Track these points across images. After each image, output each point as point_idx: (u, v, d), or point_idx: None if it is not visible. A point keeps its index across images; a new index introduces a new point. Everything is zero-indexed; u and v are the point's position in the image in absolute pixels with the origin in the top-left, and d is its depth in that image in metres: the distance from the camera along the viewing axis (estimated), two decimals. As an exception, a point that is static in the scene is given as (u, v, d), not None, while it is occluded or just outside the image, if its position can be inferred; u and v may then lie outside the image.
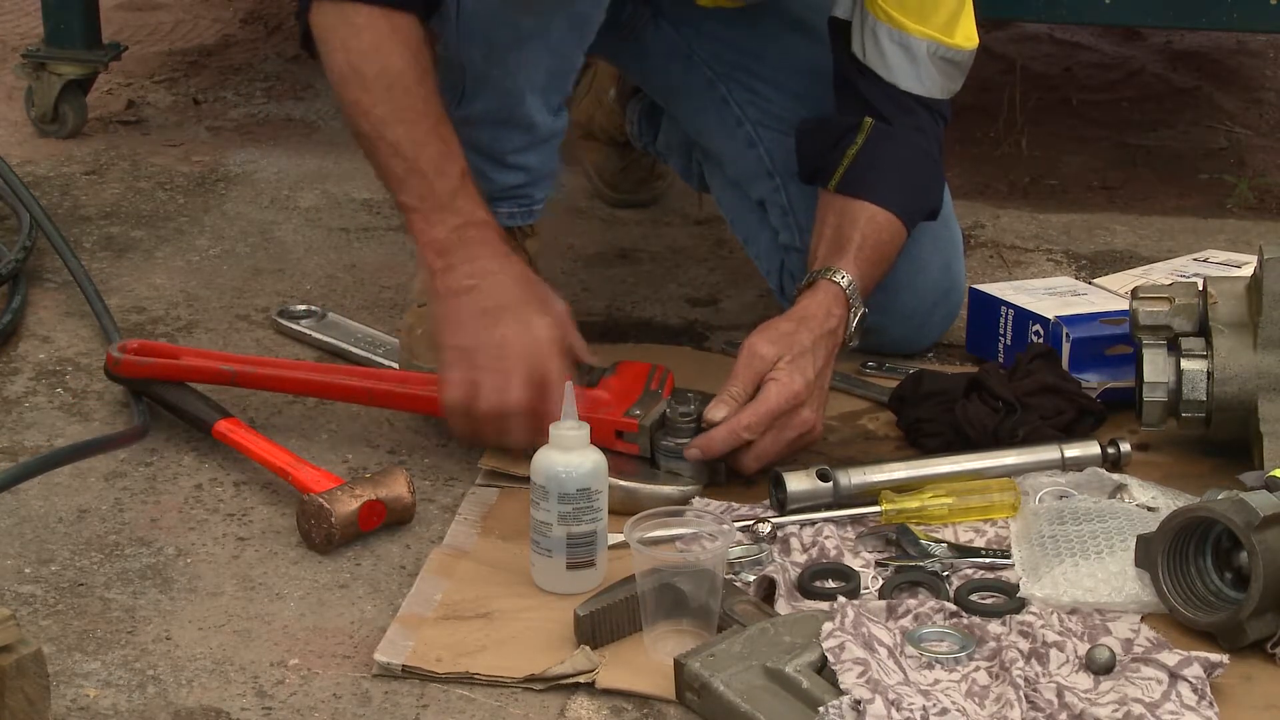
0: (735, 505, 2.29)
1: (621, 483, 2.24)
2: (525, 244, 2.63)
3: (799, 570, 2.14)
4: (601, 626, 2.03)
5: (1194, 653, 1.96)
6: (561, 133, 2.58)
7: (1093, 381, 2.54)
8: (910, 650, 1.98)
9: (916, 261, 2.62)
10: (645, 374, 2.40)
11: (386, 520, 2.25)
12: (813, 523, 2.23)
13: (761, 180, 2.72)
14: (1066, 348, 2.57)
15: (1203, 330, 2.39)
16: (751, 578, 2.12)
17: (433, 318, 2.33)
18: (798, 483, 2.26)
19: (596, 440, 2.14)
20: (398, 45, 2.30)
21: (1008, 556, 2.18)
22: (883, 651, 1.94)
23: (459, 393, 2.27)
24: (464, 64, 2.43)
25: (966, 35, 2.52)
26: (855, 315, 2.44)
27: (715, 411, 2.30)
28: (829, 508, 2.25)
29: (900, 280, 2.60)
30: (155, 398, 2.50)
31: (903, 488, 2.28)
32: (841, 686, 1.88)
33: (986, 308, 2.71)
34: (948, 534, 2.24)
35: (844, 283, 2.43)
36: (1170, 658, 1.95)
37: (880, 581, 2.13)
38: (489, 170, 2.52)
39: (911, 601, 2.05)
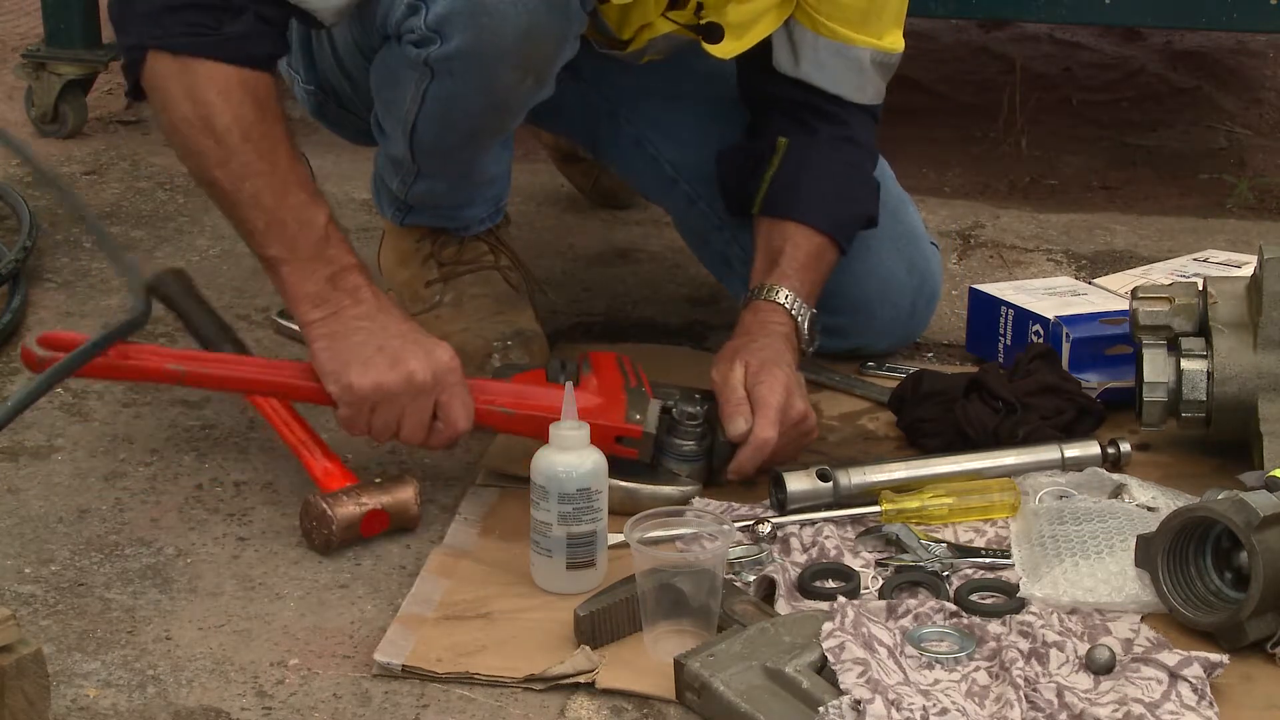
0: (735, 505, 2.29)
1: (621, 483, 2.24)
2: (501, 234, 2.64)
3: (799, 570, 2.14)
4: (601, 626, 2.03)
5: (1194, 653, 1.96)
6: (511, 149, 2.60)
7: (1093, 381, 2.54)
8: (910, 650, 1.98)
9: (880, 274, 2.63)
10: (616, 365, 2.35)
11: (390, 528, 2.25)
12: (813, 523, 2.23)
13: (713, 234, 2.71)
14: (1066, 348, 2.57)
15: (1203, 330, 2.39)
16: (751, 578, 2.12)
17: (326, 359, 2.21)
18: (798, 483, 2.26)
19: (594, 445, 2.14)
20: (248, 97, 2.19)
21: (1008, 556, 2.18)
22: (883, 651, 1.94)
23: (382, 430, 2.22)
24: (417, 164, 2.46)
25: (894, 40, 2.52)
26: (804, 321, 2.44)
27: (736, 425, 2.29)
28: (829, 508, 2.25)
29: (872, 298, 2.61)
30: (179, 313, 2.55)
31: (903, 488, 2.28)
32: (841, 686, 1.88)
33: (986, 308, 2.71)
34: (948, 534, 2.24)
35: (782, 298, 2.43)
36: (1170, 658, 1.95)
37: (880, 581, 2.13)
38: (453, 214, 2.56)
39: (911, 601, 2.05)
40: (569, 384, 2.16)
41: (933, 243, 2.72)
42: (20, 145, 3.04)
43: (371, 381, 2.18)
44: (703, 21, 2.38)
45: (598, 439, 2.16)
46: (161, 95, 2.22)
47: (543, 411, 2.22)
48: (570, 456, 2.10)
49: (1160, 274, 2.81)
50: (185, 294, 2.58)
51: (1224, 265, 2.86)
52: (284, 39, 2.27)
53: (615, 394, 2.30)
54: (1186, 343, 2.39)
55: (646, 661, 2.00)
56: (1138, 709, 1.88)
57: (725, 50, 2.39)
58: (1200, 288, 2.42)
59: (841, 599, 2.03)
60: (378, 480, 2.30)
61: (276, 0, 2.22)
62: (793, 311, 2.43)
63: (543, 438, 2.14)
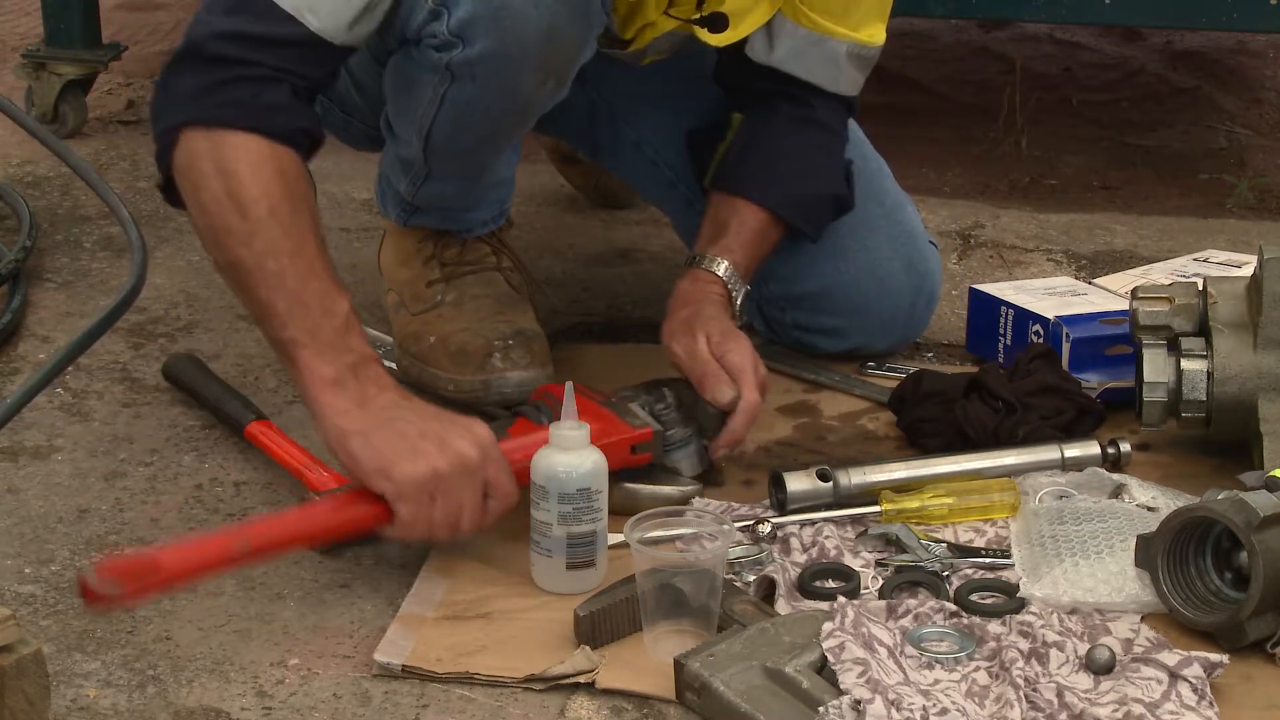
0: (735, 505, 2.29)
1: (621, 483, 2.24)
2: (503, 236, 2.65)
3: (799, 570, 2.14)
4: (601, 626, 2.03)
5: (1194, 653, 1.96)
6: (519, 152, 2.62)
7: (1093, 381, 2.54)
8: (910, 650, 1.98)
9: (878, 274, 2.63)
10: (578, 391, 2.22)
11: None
12: (813, 523, 2.23)
13: None
14: (1066, 348, 2.57)
15: (1203, 330, 2.39)
16: (751, 578, 2.12)
17: (368, 456, 2.06)
18: (798, 483, 2.26)
19: (612, 465, 2.14)
20: (276, 174, 2.13)
21: (1008, 556, 2.18)
22: (883, 651, 1.94)
23: (445, 521, 2.07)
24: (429, 166, 2.46)
25: (873, 33, 2.53)
26: (738, 297, 2.47)
27: (723, 393, 2.30)
28: (829, 508, 2.25)
29: (870, 298, 2.62)
30: (191, 392, 2.53)
31: (903, 488, 2.28)
32: (841, 686, 1.88)
33: (986, 308, 2.71)
34: (948, 534, 2.24)
35: (721, 270, 2.47)
36: (1170, 658, 1.95)
37: (880, 581, 2.13)
38: (459, 216, 2.56)
39: (911, 601, 2.05)
40: (569, 384, 2.15)
41: (932, 241, 2.73)
42: (14, 109, 3.06)
43: (427, 468, 2.04)
44: (705, 13, 2.39)
45: (613, 458, 2.16)
46: (193, 177, 2.15)
47: None
48: (570, 456, 2.10)
49: (1160, 274, 2.81)
50: (199, 375, 2.57)
51: (1224, 265, 2.86)
52: (313, 103, 2.24)
53: (599, 412, 2.27)
54: (1186, 343, 2.39)
55: (646, 661, 2.00)
56: (1138, 709, 1.88)
57: (723, 38, 2.40)
58: (1200, 288, 2.42)
59: (841, 599, 2.03)
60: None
61: (307, 59, 2.18)
62: (729, 285, 2.46)
63: None
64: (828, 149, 2.58)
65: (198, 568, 2.00)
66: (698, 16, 2.39)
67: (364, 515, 2.07)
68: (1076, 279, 2.91)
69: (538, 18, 2.22)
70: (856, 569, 2.14)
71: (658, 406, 2.32)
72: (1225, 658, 1.96)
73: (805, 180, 2.56)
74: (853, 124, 2.65)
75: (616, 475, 2.19)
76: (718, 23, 2.39)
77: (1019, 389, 2.43)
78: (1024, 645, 1.97)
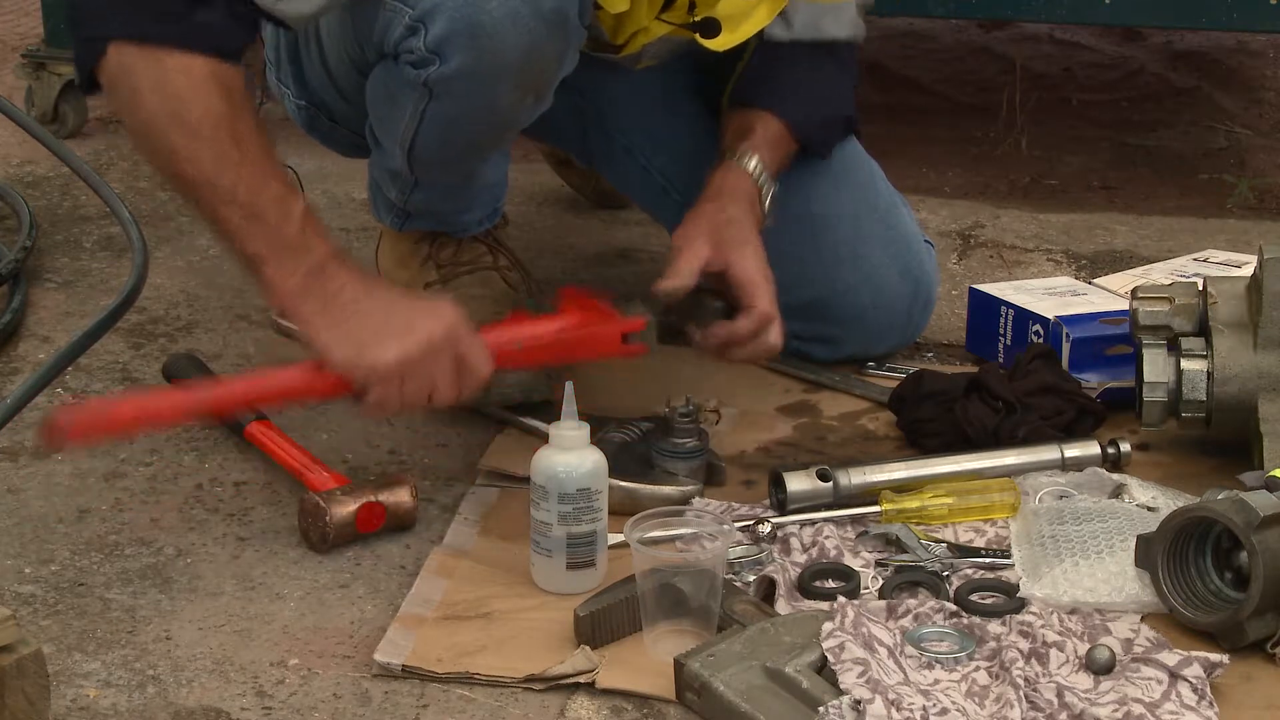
0: (735, 505, 2.29)
1: (621, 483, 2.24)
2: (499, 235, 2.64)
3: (799, 570, 2.14)
4: (601, 626, 2.03)
5: (1194, 653, 1.96)
6: (509, 155, 2.61)
7: (1093, 381, 2.54)
8: (910, 650, 1.98)
9: (874, 282, 2.62)
10: (586, 290, 2.33)
11: (387, 524, 2.25)
12: (813, 523, 2.23)
13: None
14: (1066, 348, 2.57)
15: (1203, 330, 2.39)
16: (751, 578, 2.12)
17: (337, 348, 2.14)
18: (798, 483, 2.26)
19: (603, 352, 2.18)
20: (218, 88, 2.11)
21: (1008, 556, 2.18)
22: (883, 651, 1.94)
23: (415, 398, 2.16)
24: (415, 176, 2.46)
25: None
26: (766, 193, 2.47)
27: (671, 282, 2.30)
28: (829, 508, 2.25)
29: (866, 307, 2.61)
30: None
31: (903, 488, 2.28)
32: (841, 686, 1.88)
33: (986, 308, 2.71)
34: (948, 534, 2.24)
35: (750, 166, 2.46)
36: (1170, 658, 1.95)
37: (880, 581, 2.13)
38: (452, 219, 2.56)
39: (911, 601, 2.05)
40: (569, 384, 2.16)
41: (927, 240, 2.72)
42: (14, 109, 3.06)
43: (394, 354, 2.12)
44: (697, 18, 2.38)
45: (604, 345, 2.19)
46: (127, 90, 2.12)
47: (553, 335, 2.26)
48: (570, 456, 2.10)
49: (1160, 274, 2.81)
50: (199, 375, 2.56)
51: (1224, 265, 2.86)
52: (254, 32, 2.21)
53: (592, 304, 2.30)
54: (1186, 343, 2.39)
55: (646, 661, 2.00)
56: (1138, 709, 1.88)
57: (721, 43, 2.39)
58: (1200, 288, 2.42)
59: (841, 599, 2.03)
60: (372, 479, 2.31)
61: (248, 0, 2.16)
62: (759, 181, 2.46)
63: (560, 358, 2.19)
64: (840, 73, 2.60)
65: (158, 412, 2.18)
66: (690, 21, 2.38)
67: (333, 384, 2.15)
68: (1076, 279, 2.91)
69: (515, 34, 2.21)
70: (856, 569, 2.14)
71: (680, 413, 2.31)
72: (1225, 658, 1.96)
73: (821, 102, 2.58)
74: None
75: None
76: (710, 28, 2.38)
77: (1019, 389, 2.43)
78: (1024, 645, 1.97)
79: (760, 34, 2.44)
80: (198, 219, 2.24)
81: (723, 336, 2.35)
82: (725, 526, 2.08)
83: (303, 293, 2.14)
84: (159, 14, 2.10)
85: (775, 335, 2.36)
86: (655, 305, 2.32)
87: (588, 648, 2.01)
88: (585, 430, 2.12)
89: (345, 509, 2.22)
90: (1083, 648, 1.98)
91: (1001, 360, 2.65)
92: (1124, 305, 2.50)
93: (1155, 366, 2.39)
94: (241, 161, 2.12)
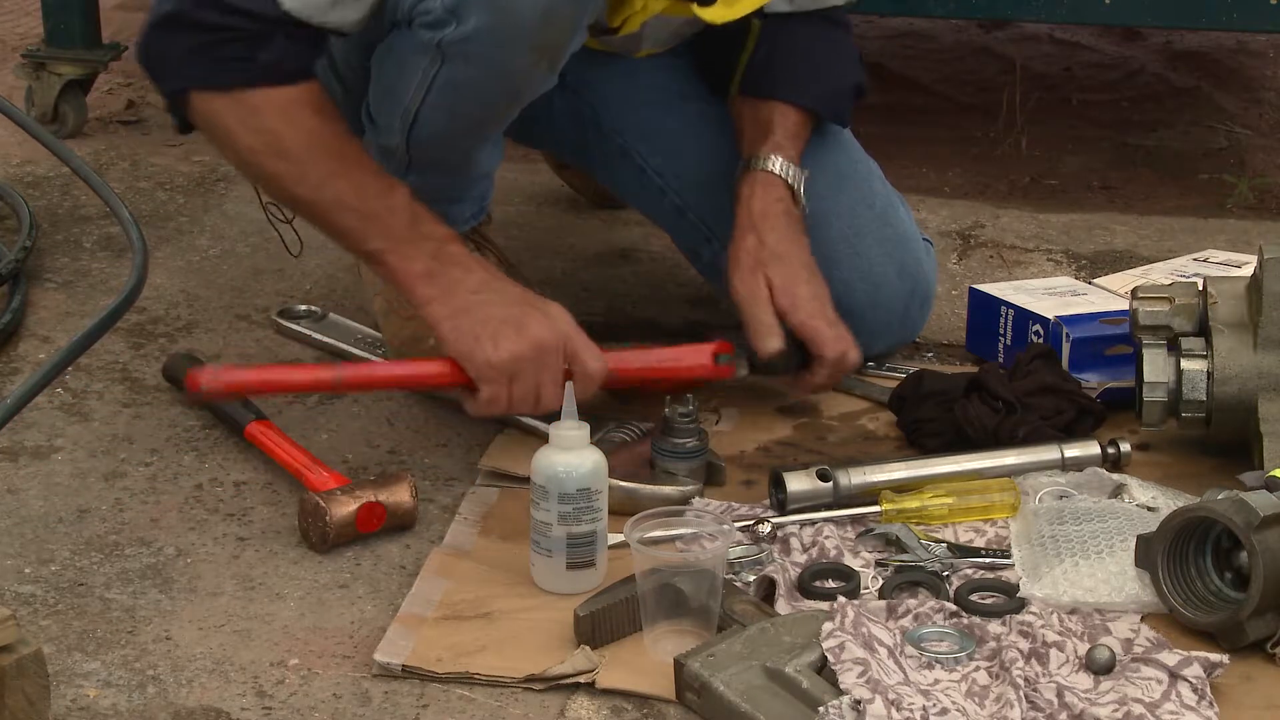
0: (735, 505, 2.29)
1: (621, 483, 2.24)
2: (485, 231, 2.64)
3: (799, 570, 2.14)
4: (601, 626, 2.03)
5: (1194, 653, 1.96)
6: (502, 150, 2.61)
7: (1093, 381, 2.54)
8: (910, 650, 1.98)
9: (871, 279, 2.62)
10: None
11: (387, 524, 2.25)
12: (813, 523, 2.23)
13: (703, 246, 2.69)
14: (1066, 348, 2.57)
15: (1203, 330, 2.39)
16: (751, 578, 2.12)
17: (455, 340, 2.26)
18: (798, 483, 2.26)
19: (696, 372, 2.32)
20: (302, 109, 2.26)
21: (1008, 556, 2.18)
22: (883, 651, 1.94)
23: (523, 399, 2.26)
24: (410, 155, 2.46)
25: None
26: (799, 187, 2.50)
27: (769, 345, 2.41)
28: (829, 508, 2.25)
29: (862, 304, 2.60)
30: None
31: (903, 488, 2.28)
32: (841, 686, 1.88)
33: (986, 308, 2.71)
34: (948, 534, 2.24)
35: (777, 168, 2.49)
36: (1170, 658, 1.95)
37: (880, 581, 2.13)
38: (439, 211, 2.56)
39: (911, 601, 2.05)
40: (569, 384, 2.16)
41: (926, 239, 2.72)
42: (14, 109, 3.06)
43: (507, 354, 2.22)
44: None
45: (699, 369, 2.35)
46: (221, 131, 2.28)
47: (672, 360, 2.39)
48: (570, 456, 2.10)
49: (1160, 274, 2.81)
50: None
51: (1224, 265, 2.86)
52: (317, 45, 2.29)
53: (664, 345, 2.45)
54: (1186, 343, 2.39)
55: (646, 661, 2.00)
56: (1138, 709, 1.88)
57: (718, 15, 2.38)
58: (1200, 288, 2.42)
59: (841, 599, 2.03)
60: (372, 478, 2.31)
61: (300, 22, 2.23)
62: (789, 180, 2.49)
63: (655, 376, 2.35)
64: (842, 40, 2.62)
65: (291, 384, 2.43)
66: None
67: (449, 376, 2.28)
68: (1076, 279, 2.91)
69: None
70: (856, 569, 2.14)
71: (680, 414, 2.31)
72: (1225, 658, 1.96)
73: (831, 75, 2.59)
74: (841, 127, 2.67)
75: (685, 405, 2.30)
76: None
77: (1019, 389, 2.43)
78: (1024, 645, 1.98)
79: (761, 12, 2.45)
80: (318, 231, 2.40)
81: (809, 389, 2.48)
82: (725, 526, 2.08)
83: (428, 278, 2.27)
84: (226, 63, 2.23)
85: (852, 359, 2.47)
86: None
87: (588, 648, 2.01)
88: (585, 430, 2.12)
89: (345, 509, 2.22)
90: (1083, 648, 1.98)
91: (1001, 360, 2.65)
92: (1124, 305, 2.50)
93: (1155, 366, 2.39)
94: (343, 170, 2.27)
